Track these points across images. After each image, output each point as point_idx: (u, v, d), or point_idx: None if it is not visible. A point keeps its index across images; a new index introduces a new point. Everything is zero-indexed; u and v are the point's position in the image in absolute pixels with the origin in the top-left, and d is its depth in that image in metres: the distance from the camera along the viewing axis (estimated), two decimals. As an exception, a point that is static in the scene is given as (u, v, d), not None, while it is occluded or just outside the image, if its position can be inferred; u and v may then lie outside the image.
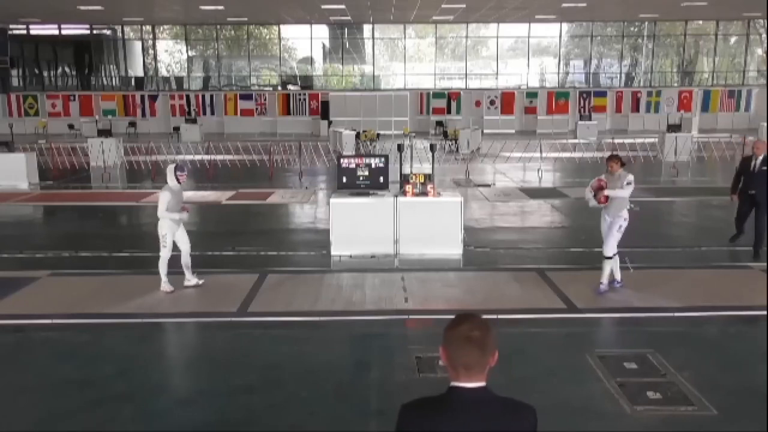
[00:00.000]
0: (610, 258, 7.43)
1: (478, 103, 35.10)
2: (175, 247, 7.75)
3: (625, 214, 7.41)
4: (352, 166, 9.55)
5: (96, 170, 19.30)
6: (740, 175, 9.62)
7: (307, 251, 9.81)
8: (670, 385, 5.23)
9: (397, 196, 9.35)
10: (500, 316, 6.48)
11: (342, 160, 9.77)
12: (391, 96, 35.00)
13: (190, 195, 15.22)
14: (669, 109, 33.58)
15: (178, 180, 7.69)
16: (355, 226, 9.29)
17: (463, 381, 2.16)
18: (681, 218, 12.87)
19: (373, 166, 9.51)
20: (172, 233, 7.63)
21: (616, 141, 21.51)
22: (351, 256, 9.24)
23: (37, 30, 37.98)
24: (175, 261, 7.78)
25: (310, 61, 38.35)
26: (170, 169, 7.73)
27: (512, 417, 2.19)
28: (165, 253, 7.62)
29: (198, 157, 21.39)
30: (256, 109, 35.22)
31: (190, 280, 7.84)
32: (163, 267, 7.66)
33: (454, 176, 17.29)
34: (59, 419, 4.86)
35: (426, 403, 2.21)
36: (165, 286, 7.67)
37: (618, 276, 7.61)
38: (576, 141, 26.28)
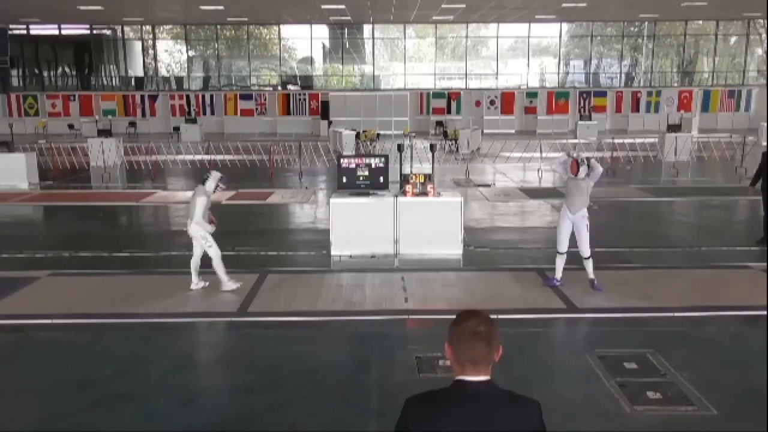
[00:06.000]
0: (588, 258, 7.60)
1: (478, 103, 35.10)
2: (188, 248, 7.79)
3: (586, 212, 7.61)
4: (352, 166, 9.55)
5: (96, 170, 19.30)
6: (762, 170, 9.71)
7: (307, 251, 9.81)
8: (670, 385, 5.23)
9: (397, 196, 9.34)
10: (500, 316, 6.47)
11: (342, 160, 9.76)
12: (391, 96, 35.00)
13: (190, 195, 15.21)
14: (669, 109, 33.60)
15: (215, 190, 7.62)
16: (355, 226, 9.29)
17: (469, 375, 2.18)
18: (681, 218, 12.87)
19: (373, 166, 9.50)
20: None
21: (616, 141, 21.50)
22: (351, 256, 9.24)
23: (37, 30, 37.97)
24: (184, 261, 7.81)
25: (310, 61, 38.35)
26: (215, 176, 7.61)
27: (518, 410, 2.21)
28: (215, 252, 7.53)
29: (198, 157, 21.40)
30: (256, 109, 35.23)
31: (197, 284, 7.76)
32: (219, 267, 7.55)
33: (454, 176, 17.29)
34: (59, 419, 4.86)
35: (432, 396, 2.22)
36: (230, 284, 7.62)
37: (559, 275, 7.75)
38: (576, 141, 26.28)
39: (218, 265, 7.57)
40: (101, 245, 10.06)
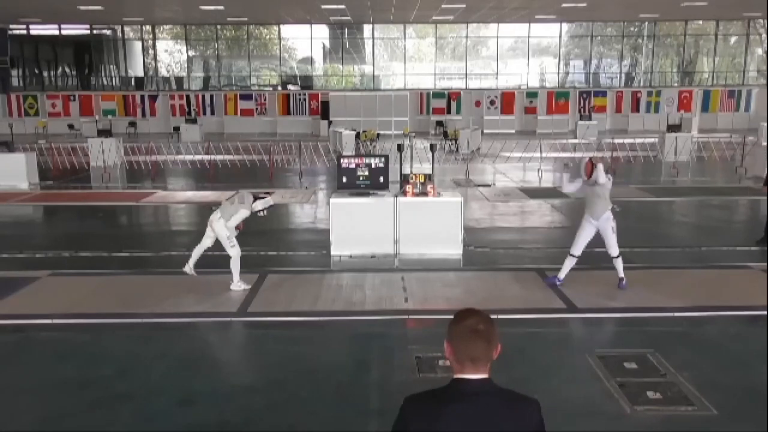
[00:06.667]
0: (618, 257, 7.54)
1: (478, 103, 35.10)
2: (188, 248, 7.87)
3: (610, 215, 7.56)
4: (352, 166, 9.54)
5: (96, 170, 19.29)
6: None
7: (307, 251, 9.81)
8: (670, 385, 5.23)
9: (397, 196, 9.34)
10: (500, 316, 6.46)
11: (342, 160, 9.76)
12: (391, 96, 35.01)
13: (189, 195, 15.26)
14: (669, 109, 33.60)
15: (258, 211, 7.85)
16: (355, 226, 9.29)
17: (468, 374, 2.18)
18: (681, 218, 12.87)
19: (373, 166, 9.49)
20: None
21: (616, 141, 21.50)
22: (351, 256, 9.24)
23: (37, 30, 37.98)
24: (184, 261, 7.85)
25: (310, 61, 38.35)
26: (268, 201, 7.91)
27: (518, 409, 2.21)
28: (237, 251, 7.66)
29: (198, 157, 21.40)
30: (256, 109, 35.23)
31: (192, 269, 7.90)
32: (236, 266, 7.65)
33: (454, 176, 17.29)
34: (59, 419, 4.86)
35: (431, 395, 2.22)
36: (240, 285, 7.68)
37: (562, 275, 7.73)
38: (576, 141, 26.29)
39: (235, 265, 7.67)
40: (101, 245, 10.06)
